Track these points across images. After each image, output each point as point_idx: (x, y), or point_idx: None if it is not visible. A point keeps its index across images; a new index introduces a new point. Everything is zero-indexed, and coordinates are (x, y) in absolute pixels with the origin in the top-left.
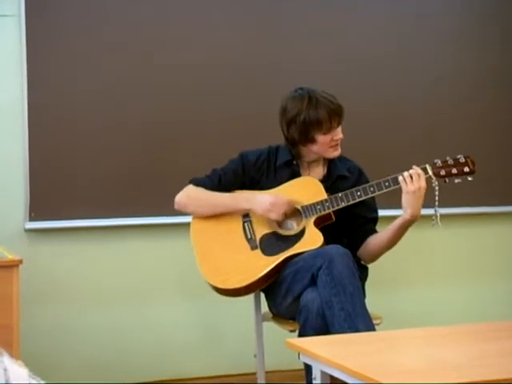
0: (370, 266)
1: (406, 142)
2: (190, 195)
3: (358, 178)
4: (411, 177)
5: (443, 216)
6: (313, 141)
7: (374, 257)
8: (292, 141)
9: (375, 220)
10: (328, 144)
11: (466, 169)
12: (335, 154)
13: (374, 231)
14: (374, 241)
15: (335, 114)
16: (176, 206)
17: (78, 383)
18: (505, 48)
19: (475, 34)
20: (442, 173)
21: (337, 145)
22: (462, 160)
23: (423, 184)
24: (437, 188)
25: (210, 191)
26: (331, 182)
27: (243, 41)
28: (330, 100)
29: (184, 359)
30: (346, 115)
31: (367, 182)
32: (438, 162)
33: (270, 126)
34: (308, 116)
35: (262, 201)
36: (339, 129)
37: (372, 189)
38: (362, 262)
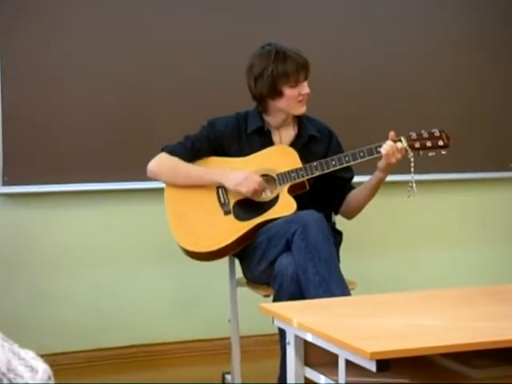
0: (345, 232)
1: (384, 111)
2: (164, 164)
3: (330, 139)
4: (397, 150)
5: (420, 182)
6: (280, 94)
7: (356, 212)
8: (260, 96)
9: (351, 178)
10: (295, 98)
11: (441, 142)
12: (302, 110)
13: (352, 188)
14: (353, 198)
15: (302, 67)
16: (149, 174)
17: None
18: (491, 22)
19: (462, 9)
20: (417, 145)
21: (304, 100)
22: (437, 134)
23: (400, 156)
24: (412, 160)
25: (183, 162)
26: (303, 143)
27: (217, 15)
28: (297, 54)
29: (158, 324)
30: (329, 84)
31: (338, 143)
32: (413, 135)
33: (241, 95)
34: (276, 69)
35: (235, 176)
36: (306, 83)
37: (347, 158)
38: (337, 227)
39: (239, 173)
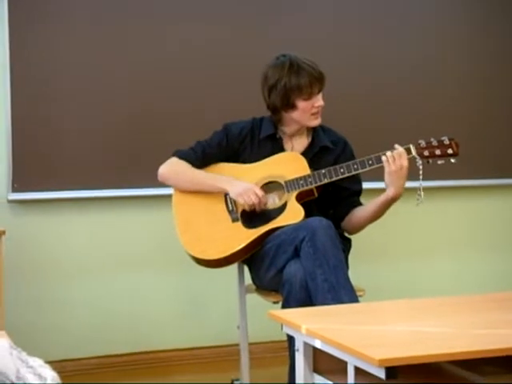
0: (354, 239)
1: (394, 120)
2: (173, 169)
3: (343, 150)
4: (393, 157)
5: (429, 189)
6: (293, 107)
7: (358, 229)
8: (273, 107)
9: (359, 192)
10: (309, 111)
11: (450, 151)
12: (316, 122)
13: (359, 203)
14: (357, 214)
15: (316, 80)
16: (159, 178)
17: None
18: (492, 25)
19: (463, 12)
20: (426, 153)
21: (318, 112)
22: (446, 142)
23: (405, 163)
24: (421, 167)
25: (193, 168)
26: (314, 153)
27: (219, 25)
28: (311, 66)
29: (167, 330)
30: (337, 93)
31: (351, 153)
32: (422, 143)
33: (254, 99)
34: (289, 81)
35: (237, 186)
36: (320, 96)
37: (355, 166)
38: (346, 234)
39: (242, 183)
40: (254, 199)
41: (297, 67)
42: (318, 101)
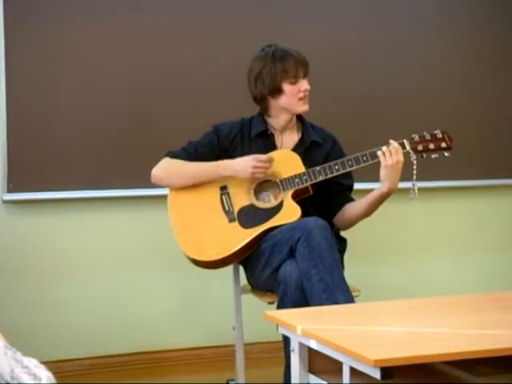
0: (349, 239)
1: (394, 120)
2: (167, 168)
3: (332, 146)
4: (389, 151)
5: (423, 189)
6: (280, 91)
7: (349, 225)
8: (261, 96)
9: (351, 187)
10: (296, 95)
11: (443, 144)
12: (304, 108)
13: (351, 199)
14: (350, 210)
15: (301, 64)
16: (152, 180)
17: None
18: (494, 24)
19: (464, 11)
20: (420, 148)
21: (305, 97)
22: (439, 135)
23: (401, 158)
24: (415, 162)
25: (187, 161)
26: (305, 148)
27: (216, 22)
28: (296, 51)
29: (163, 331)
30: (337, 93)
31: (341, 150)
32: (416, 137)
33: (245, 100)
34: (274, 67)
35: (244, 164)
36: (306, 80)
37: (350, 163)
38: (341, 234)
39: (239, 160)
40: (262, 164)
41: (281, 53)
42: (304, 85)
